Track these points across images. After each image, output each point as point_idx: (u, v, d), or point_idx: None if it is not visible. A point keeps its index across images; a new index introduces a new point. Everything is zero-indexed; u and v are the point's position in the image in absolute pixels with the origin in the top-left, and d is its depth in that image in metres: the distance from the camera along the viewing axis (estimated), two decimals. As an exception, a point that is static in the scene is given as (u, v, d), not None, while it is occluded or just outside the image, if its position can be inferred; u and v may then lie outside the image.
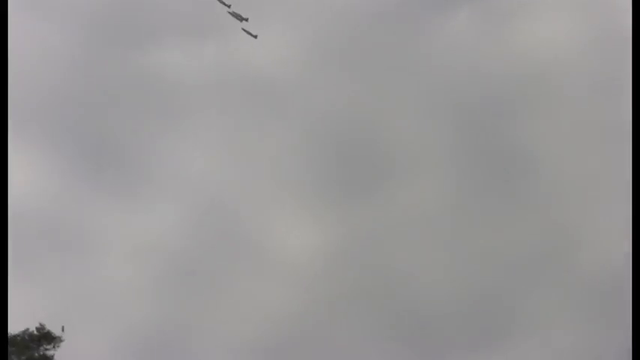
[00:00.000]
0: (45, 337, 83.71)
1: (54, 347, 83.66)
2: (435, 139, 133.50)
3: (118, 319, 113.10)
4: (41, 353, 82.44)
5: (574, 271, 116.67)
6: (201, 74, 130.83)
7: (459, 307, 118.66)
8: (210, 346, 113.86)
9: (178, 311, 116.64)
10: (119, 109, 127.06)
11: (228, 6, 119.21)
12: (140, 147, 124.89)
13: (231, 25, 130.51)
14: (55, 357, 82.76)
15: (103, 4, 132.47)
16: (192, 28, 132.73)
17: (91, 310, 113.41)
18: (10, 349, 79.36)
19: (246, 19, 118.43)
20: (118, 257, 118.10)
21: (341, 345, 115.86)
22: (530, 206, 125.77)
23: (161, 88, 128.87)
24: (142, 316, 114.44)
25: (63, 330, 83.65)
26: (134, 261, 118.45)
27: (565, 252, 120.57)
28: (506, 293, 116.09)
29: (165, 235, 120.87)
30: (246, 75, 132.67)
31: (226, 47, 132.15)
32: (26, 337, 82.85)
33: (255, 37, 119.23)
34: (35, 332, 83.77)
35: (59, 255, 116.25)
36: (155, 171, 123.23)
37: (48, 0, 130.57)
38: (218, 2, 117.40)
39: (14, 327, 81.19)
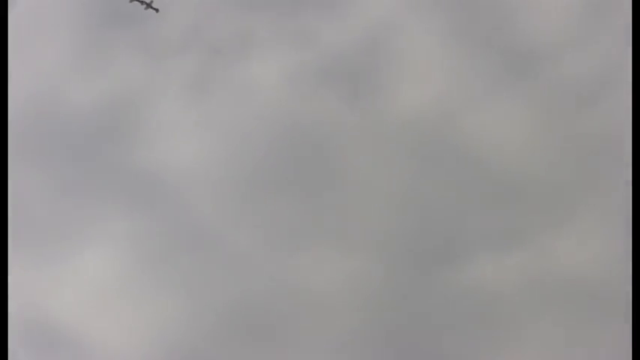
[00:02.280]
0: None
1: None
2: None
3: None
4: None
5: None
6: (518, 282, 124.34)
7: None
8: None
9: None
10: (435, 327, 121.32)
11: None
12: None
13: (540, 233, 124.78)
14: None
15: (401, 224, 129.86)
16: (497, 238, 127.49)
17: None
18: None
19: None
20: None
21: None
22: None
23: (478, 302, 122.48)
24: None
25: None
26: None
27: None
28: None
29: None
30: (564, 277, 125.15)
31: (537, 251, 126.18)
32: None
33: (157, 10, 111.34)
34: None
35: None
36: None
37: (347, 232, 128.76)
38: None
39: None
